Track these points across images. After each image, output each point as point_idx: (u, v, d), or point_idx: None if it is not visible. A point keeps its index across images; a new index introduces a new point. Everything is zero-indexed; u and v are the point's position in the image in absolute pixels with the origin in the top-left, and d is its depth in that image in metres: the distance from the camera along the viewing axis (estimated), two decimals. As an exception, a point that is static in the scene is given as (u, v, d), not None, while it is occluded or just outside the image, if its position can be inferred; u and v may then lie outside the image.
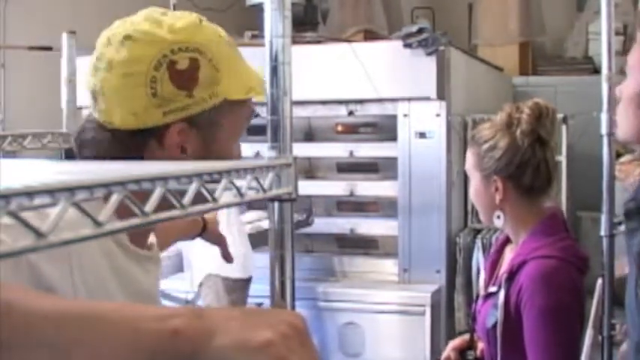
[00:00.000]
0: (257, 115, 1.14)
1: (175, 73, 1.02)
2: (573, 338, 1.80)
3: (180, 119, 1.04)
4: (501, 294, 1.79)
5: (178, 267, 3.53)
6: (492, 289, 1.86)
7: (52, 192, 0.53)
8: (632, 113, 1.48)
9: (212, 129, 1.07)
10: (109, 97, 1.04)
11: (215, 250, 1.62)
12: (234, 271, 3.23)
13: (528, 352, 1.75)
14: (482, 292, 1.95)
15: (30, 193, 0.51)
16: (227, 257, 1.65)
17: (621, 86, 1.56)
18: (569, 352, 1.77)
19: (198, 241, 1.64)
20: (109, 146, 1.05)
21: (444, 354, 1.99)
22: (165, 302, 2.77)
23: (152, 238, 1.16)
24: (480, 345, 1.95)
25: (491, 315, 1.82)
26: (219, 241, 1.65)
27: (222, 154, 1.08)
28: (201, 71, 1.04)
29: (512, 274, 1.79)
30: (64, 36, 2.22)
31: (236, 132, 1.11)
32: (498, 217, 1.88)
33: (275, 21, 0.90)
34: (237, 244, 3.23)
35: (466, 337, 1.99)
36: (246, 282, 3.33)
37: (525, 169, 1.85)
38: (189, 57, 1.03)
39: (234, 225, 3.30)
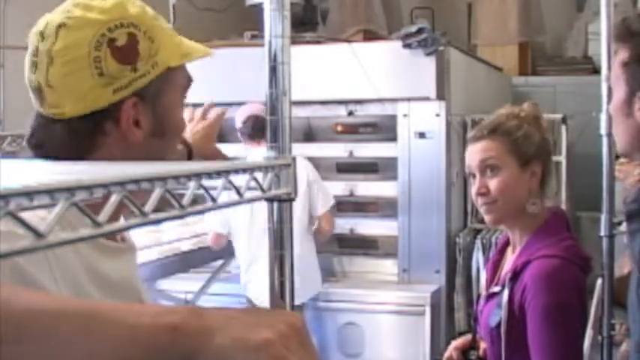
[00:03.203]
0: (190, 81, 1.17)
1: (116, 49, 1.05)
2: (576, 337, 1.80)
3: (130, 94, 1.06)
4: (505, 293, 1.79)
5: (178, 267, 3.53)
6: (495, 288, 1.86)
7: (52, 192, 0.53)
8: (622, 123, 1.48)
9: (158, 99, 1.10)
10: (56, 88, 1.05)
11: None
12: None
13: (532, 350, 1.75)
14: (484, 292, 1.95)
15: (29, 194, 0.51)
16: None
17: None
18: (573, 351, 1.77)
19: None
20: (64, 138, 1.06)
21: (446, 353, 1.99)
22: (164, 302, 2.76)
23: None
24: (483, 345, 1.94)
25: (494, 314, 1.82)
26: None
27: (172, 122, 1.13)
28: (140, 44, 1.07)
29: (516, 274, 1.79)
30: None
31: (178, 99, 1.14)
32: (534, 203, 1.85)
33: (274, 21, 0.90)
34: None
35: (468, 336, 1.99)
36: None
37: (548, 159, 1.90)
38: (127, 32, 1.06)
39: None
